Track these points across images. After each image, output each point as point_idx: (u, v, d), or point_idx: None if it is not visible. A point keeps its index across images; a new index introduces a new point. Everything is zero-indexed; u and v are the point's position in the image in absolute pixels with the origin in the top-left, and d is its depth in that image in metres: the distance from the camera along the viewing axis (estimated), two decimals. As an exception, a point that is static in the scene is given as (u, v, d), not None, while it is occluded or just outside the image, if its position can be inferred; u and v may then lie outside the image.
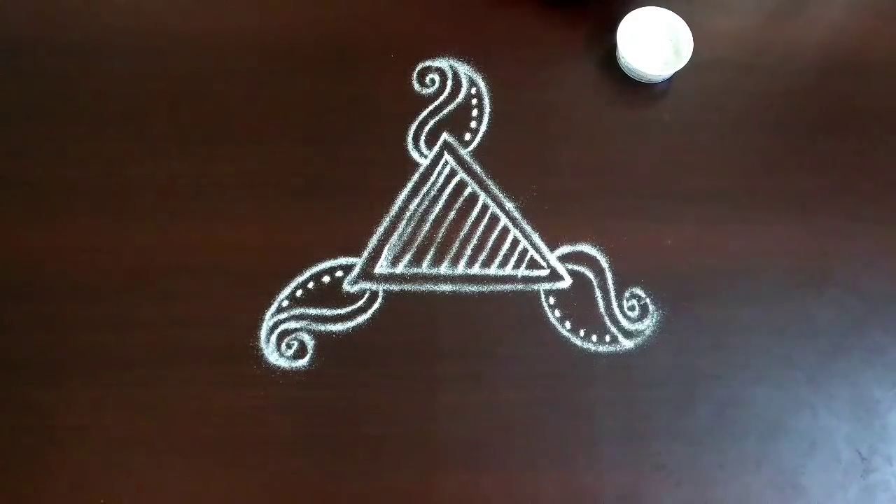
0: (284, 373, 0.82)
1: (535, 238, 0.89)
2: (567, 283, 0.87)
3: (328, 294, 0.86)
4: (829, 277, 0.89)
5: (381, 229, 0.89)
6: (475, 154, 0.93)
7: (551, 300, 0.86)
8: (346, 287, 0.86)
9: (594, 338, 0.85)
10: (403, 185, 0.91)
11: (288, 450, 0.79)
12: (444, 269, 0.87)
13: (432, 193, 0.91)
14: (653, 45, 0.97)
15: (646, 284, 0.87)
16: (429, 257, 0.88)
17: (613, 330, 0.85)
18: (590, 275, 0.88)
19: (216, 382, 0.81)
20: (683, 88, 0.98)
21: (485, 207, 0.90)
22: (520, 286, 0.87)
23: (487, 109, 0.95)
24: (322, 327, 0.84)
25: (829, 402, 0.84)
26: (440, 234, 0.89)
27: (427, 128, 0.94)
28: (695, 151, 0.94)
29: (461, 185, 0.91)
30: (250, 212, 0.89)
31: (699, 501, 0.79)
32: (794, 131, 0.96)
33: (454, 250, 0.88)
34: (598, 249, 0.89)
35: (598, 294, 0.87)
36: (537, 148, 0.93)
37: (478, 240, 0.89)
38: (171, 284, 0.85)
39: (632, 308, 0.86)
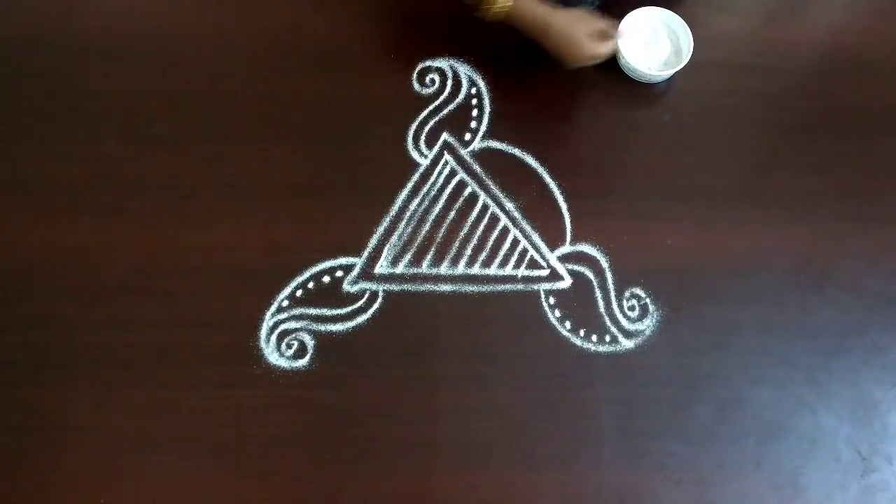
0: (284, 373, 0.82)
1: (535, 238, 0.89)
2: (567, 283, 0.87)
3: (328, 294, 0.86)
4: (829, 277, 0.89)
5: (381, 229, 0.89)
6: (475, 154, 0.93)
7: (551, 300, 0.86)
8: (346, 287, 0.86)
9: (594, 338, 0.85)
10: (403, 185, 0.91)
11: (288, 450, 0.79)
12: (444, 269, 0.87)
13: (432, 193, 0.91)
14: (653, 45, 0.97)
15: (646, 284, 0.87)
16: (429, 257, 0.88)
17: (613, 330, 0.85)
18: (590, 275, 0.88)
19: (216, 382, 0.81)
20: (683, 88, 0.98)
21: (485, 207, 0.90)
22: (520, 286, 0.87)
23: (487, 109, 0.95)
24: (322, 327, 0.84)
25: (829, 402, 0.84)
26: (440, 234, 0.89)
27: (427, 128, 0.94)
28: (695, 151, 0.94)
29: (461, 185, 0.91)
30: (250, 212, 0.89)
31: (699, 501, 0.79)
32: (794, 131, 0.96)
33: (454, 250, 0.88)
34: (598, 249, 0.89)
35: (598, 294, 0.87)
36: (537, 148, 0.93)
37: (478, 240, 0.89)
38: (171, 284, 0.85)
39: (632, 308, 0.86)
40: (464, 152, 0.93)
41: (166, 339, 0.83)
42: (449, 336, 0.84)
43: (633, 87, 0.97)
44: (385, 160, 0.92)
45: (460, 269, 0.88)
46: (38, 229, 0.87)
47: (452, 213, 0.90)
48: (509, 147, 0.93)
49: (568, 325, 0.85)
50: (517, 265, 0.88)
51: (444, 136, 0.94)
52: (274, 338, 0.83)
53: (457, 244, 0.89)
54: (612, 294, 0.87)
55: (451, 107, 0.95)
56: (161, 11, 1.00)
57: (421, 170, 0.92)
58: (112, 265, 0.86)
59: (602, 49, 0.90)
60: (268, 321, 0.84)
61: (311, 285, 0.86)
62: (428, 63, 0.98)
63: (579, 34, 0.88)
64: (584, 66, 0.90)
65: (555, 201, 0.91)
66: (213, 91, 0.95)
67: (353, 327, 0.84)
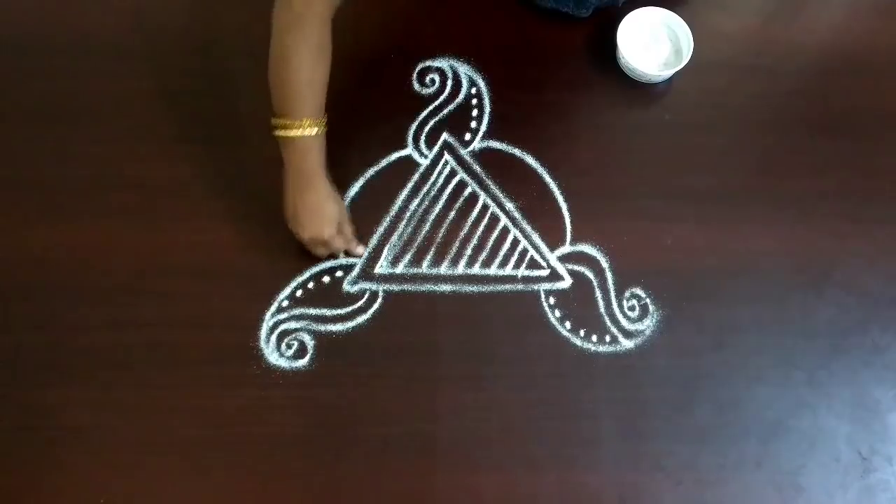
0: (284, 373, 0.82)
1: (535, 238, 0.89)
2: (567, 283, 0.87)
3: (328, 294, 0.86)
4: (829, 277, 0.89)
5: (381, 229, 0.89)
6: (475, 154, 0.93)
7: (551, 300, 0.86)
8: (346, 287, 0.86)
9: (594, 338, 0.85)
10: (403, 185, 0.91)
11: (288, 450, 0.79)
12: (444, 269, 0.87)
13: (432, 193, 0.91)
14: (653, 45, 0.97)
15: (646, 284, 0.87)
16: (429, 257, 0.88)
17: (613, 330, 0.85)
18: (590, 275, 0.88)
19: (216, 382, 0.81)
20: (683, 88, 0.98)
21: (485, 207, 0.90)
22: (520, 286, 0.87)
23: (487, 109, 0.95)
24: (322, 327, 0.84)
25: (829, 402, 0.84)
26: (440, 234, 0.89)
27: (427, 128, 0.94)
28: (695, 151, 0.94)
29: (461, 185, 0.91)
30: (250, 212, 0.89)
31: (699, 501, 0.79)
32: (794, 131, 0.96)
33: (454, 250, 0.88)
34: (598, 249, 0.89)
35: (598, 294, 0.87)
36: (537, 148, 0.93)
37: (478, 240, 0.89)
38: (171, 284, 0.85)
39: (632, 308, 0.86)
40: (464, 152, 0.93)
41: (166, 339, 0.83)
42: (449, 336, 0.84)
43: (633, 87, 0.97)
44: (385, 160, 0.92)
45: (460, 269, 0.88)
46: (38, 229, 0.87)
47: (452, 213, 0.90)
48: (509, 147, 0.93)
49: (568, 325, 0.85)
50: (517, 265, 0.88)
51: (444, 136, 0.94)
52: (274, 338, 0.83)
53: (457, 244, 0.89)
54: (612, 294, 0.87)
55: (451, 107, 0.95)
56: (161, 11, 1.00)
57: (421, 170, 0.92)
58: (112, 265, 0.86)
59: (337, 242, 0.83)
60: (268, 321, 0.84)
61: (311, 285, 0.86)
62: (428, 63, 0.98)
63: (330, 214, 0.81)
64: (302, 242, 0.83)
65: (555, 201, 0.91)
66: (213, 91, 0.95)
67: (353, 327, 0.84)
